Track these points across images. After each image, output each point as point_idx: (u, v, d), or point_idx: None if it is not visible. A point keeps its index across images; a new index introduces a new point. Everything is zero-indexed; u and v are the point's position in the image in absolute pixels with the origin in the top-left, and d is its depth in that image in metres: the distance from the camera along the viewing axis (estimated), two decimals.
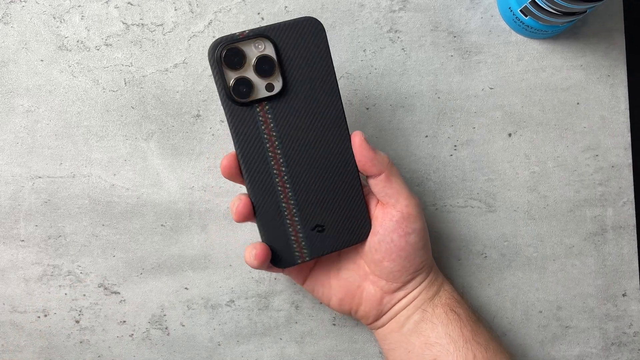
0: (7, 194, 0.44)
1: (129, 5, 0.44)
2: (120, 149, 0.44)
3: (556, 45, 0.45)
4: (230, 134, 0.34)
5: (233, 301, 0.44)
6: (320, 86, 0.35)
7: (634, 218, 0.45)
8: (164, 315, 0.44)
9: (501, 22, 0.45)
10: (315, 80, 0.34)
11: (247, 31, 0.33)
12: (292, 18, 0.35)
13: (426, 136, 0.45)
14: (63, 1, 0.44)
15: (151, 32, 0.44)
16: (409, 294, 0.38)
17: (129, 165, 0.44)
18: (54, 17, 0.44)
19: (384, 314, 0.39)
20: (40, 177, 0.44)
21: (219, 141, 0.44)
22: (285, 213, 0.36)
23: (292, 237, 0.36)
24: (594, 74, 0.45)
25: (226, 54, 0.33)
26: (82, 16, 0.44)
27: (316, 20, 0.34)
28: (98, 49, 0.44)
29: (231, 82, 0.33)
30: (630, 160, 0.45)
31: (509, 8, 0.43)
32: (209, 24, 0.44)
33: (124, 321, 0.44)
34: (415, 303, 0.38)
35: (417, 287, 0.38)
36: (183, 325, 0.44)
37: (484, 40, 0.45)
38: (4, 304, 0.44)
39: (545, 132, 0.45)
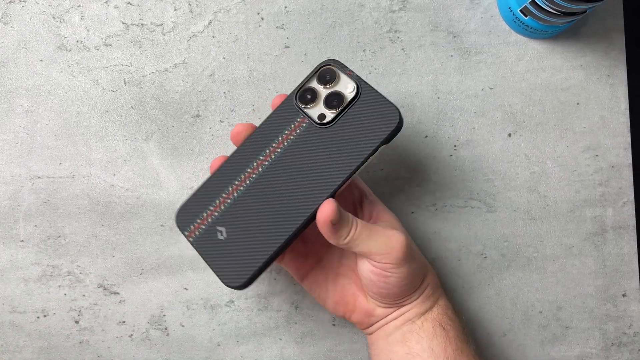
0: (7, 194, 0.44)
1: (129, 5, 0.44)
2: (120, 149, 0.44)
3: (556, 45, 0.45)
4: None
5: (233, 301, 0.44)
6: (348, 151, 0.35)
7: (634, 218, 0.45)
8: (164, 315, 0.44)
9: (501, 22, 0.45)
10: (350, 144, 0.35)
11: (355, 74, 0.36)
12: (386, 97, 0.36)
13: (426, 136, 0.45)
14: (63, 1, 0.44)
15: (151, 32, 0.44)
16: (400, 308, 0.38)
17: (128, 165, 0.44)
18: (54, 17, 0.44)
19: (375, 323, 0.39)
20: (39, 177, 0.44)
21: (219, 141, 0.44)
22: (222, 196, 0.36)
23: (203, 215, 0.36)
24: (594, 74, 0.45)
25: (327, 69, 0.36)
26: (82, 16, 0.44)
27: (399, 114, 0.35)
28: (98, 49, 0.44)
29: (307, 87, 0.36)
30: (630, 161, 0.45)
31: (509, 8, 0.43)
32: (208, 24, 0.44)
33: (124, 321, 0.44)
34: (406, 315, 0.38)
35: (409, 303, 0.38)
36: (182, 326, 0.44)
37: (484, 40, 0.45)
38: (3, 304, 0.44)
39: (545, 132, 0.45)
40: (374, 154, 0.35)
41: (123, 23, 0.44)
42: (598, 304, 0.45)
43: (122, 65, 0.44)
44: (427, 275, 0.38)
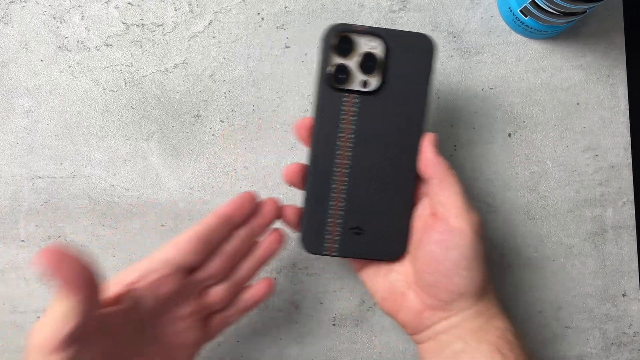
0: (7, 194, 0.44)
1: (129, 5, 0.44)
2: (120, 149, 0.44)
3: (556, 45, 0.45)
4: (313, 112, 0.35)
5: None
6: (411, 98, 0.35)
7: (634, 218, 0.45)
8: None
9: (501, 22, 0.45)
10: (408, 93, 0.35)
11: (365, 26, 0.34)
12: (408, 30, 0.37)
13: None
14: (63, 1, 0.44)
15: (151, 32, 0.44)
16: (450, 317, 0.35)
17: (129, 165, 0.44)
18: (54, 18, 0.44)
19: (423, 331, 0.37)
20: (40, 177, 0.44)
21: (219, 141, 0.44)
22: (332, 203, 0.36)
23: (329, 228, 0.36)
24: (594, 74, 0.45)
25: (339, 39, 0.34)
26: (82, 16, 0.44)
27: (430, 39, 0.35)
28: (98, 49, 0.44)
29: (333, 66, 0.34)
30: (630, 160, 0.45)
31: (509, 8, 0.43)
32: (209, 24, 0.44)
33: None
34: (457, 331, 0.35)
35: (459, 312, 0.35)
36: None
37: (484, 41, 0.45)
38: (4, 304, 0.44)
39: (545, 132, 0.45)
40: (432, 83, 0.35)
41: (123, 23, 0.44)
42: (598, 303, 0.45)
43: (122, 65, 0.44)
44: (486, 290, 0.36)
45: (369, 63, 0.35)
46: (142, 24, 0.44)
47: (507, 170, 0.45)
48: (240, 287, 0.38)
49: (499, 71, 0.45)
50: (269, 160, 0.44)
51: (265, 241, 0.38)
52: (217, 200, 0.44)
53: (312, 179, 0.36)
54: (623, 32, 0.46)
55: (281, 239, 0.38)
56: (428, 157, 0.35)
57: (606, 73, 0.45)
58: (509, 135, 0.45)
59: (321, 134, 0.35)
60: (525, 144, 0.45)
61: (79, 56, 0.44)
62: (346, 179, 0.36)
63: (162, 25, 0.44)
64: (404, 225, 0.36)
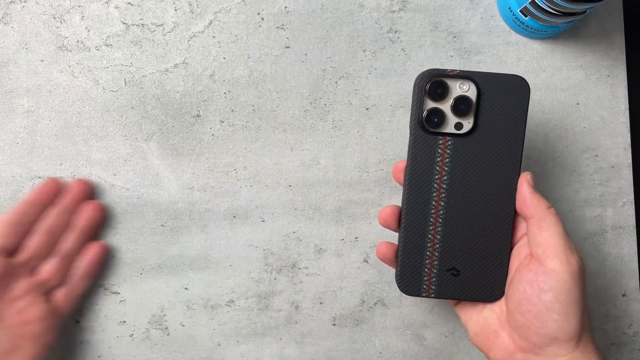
0: (7, 194, 0.44)
1: (129, 5, 0.44)
2: (120, 149, 0.44)
3: (556, 45, 0.45)
4: (407, 155, 0.36)
5: (233, 301, 0.44)
6: (506, 140, 0.36)
7: (634, 218, 0.45)
8: (164, 315, 0.44)
9: (501, 23, 0.45)
10: (503, 133, 0.36)
11: (458, 70, 0.35)
12: (503, 72, 0.37)
13: None
14: (63, 1, 0.44)
15: (151, 32, 0.44)
16: None
17: (129, 165, 0.44)
18: (54, 18, 0.44)
19: None
20: (40, 178, 0.44)
21: (219, 141, 0.44)
22: (428, 245, 0.36)
23: (426, 270, 0.37)
24: (594, 74, 0.45)
25: (432, 84, 0.35)
26: (82, 16, 0.44)
27: (524, 81, 0.36)
28: (98, 49, 0.44)
29: (427, 111, 0.35)
30: (630, 161, 0.45)
31: (509, 8, 0.43)
32: (209, 24, 0.44)
33: (124, 321, 0.44)
34: None
35: (553, 359, 0.34)
36: (183, 326, 0.44)
37: (484, 41, 0.45)
38: None
39: (545, 132, 0.45)
40: (526, 124, 0.36)
41: (123, 23, 0.44)
42: (598, 303, 0.45)
43: (122, 65, 0.44)
44: (583, 338, 0.34)
45: (461, 106, 0.35)
46: (142, 24, 0.44)
47: None
48: (71, 259, 0.42)
49: (499, 71, 0.45)
50: (269, 160, 0.44)
51: (83, 211, 0.41)
52: (217, 201, 0.44)
53: (407, 221, 0.36)
54: (623, 32, 0.45)
55: (98, 207, 0.42)
56: (526, 197, 0.35)
57: (606, 73, 0.45)
58: None
59: (415, 176, 0.36)
60: (525, 144, 0.45)
61: (79, 56, 0.44)
62: (441, 220, 0.36)
63: (162, 25, 0.44)
64: (502, 268, 0.37)
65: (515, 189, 0.36)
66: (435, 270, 0.37)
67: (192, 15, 0.44)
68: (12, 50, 0.44)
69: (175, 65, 0.44)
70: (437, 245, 0.36)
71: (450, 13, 0.45)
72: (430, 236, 0.36)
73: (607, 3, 0.45)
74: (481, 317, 0.37)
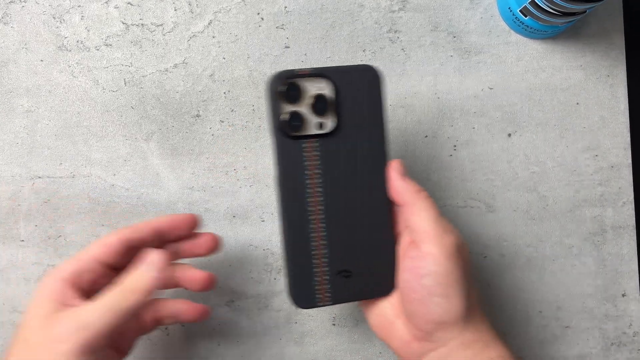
0: (7, 194, 0.44)
1: (129, 5, 0.44)
2: (120, 149, 0.44)
3: (556, 45, 0.45)
4: (274, 164, 0.35)
5: (233, 301, 0.44)
6: (369, 132, 0.35)
7: (634, 218, 0.45)
8: None
9: (501, 22, 0.45)
10: (365, 126, 0.35)
11: (309, 69, 0.34)
12: (352, 64, 0.36)
13: (426, 136, 0.45)
14: (63, 1, 0.44)
15: (151, 32, 0.44)
16: (437, 348, 0.33)
17: (128, 165, 0.44)
18: (54, 17, 0.44)
19: None
20: (40, 177, 0.44)
21: (219, 141, 0.44)
22: (315, 253, 0.35)
23: (317, 279, 0.35)
24: (594, 74, 0.45)
25: (284, 87, 0.34)
26: (82, 16, 0.44)
27: (375, 69, 0.35)
28: (98, 49, 0.44)
29: (284, 115, 0.34)
30: (630, 160, 0.45)
31: (509, 8, 0.43)
32: (208, 24, 0.44)
33: None
34: None
35: (446, 343, 0.33)
36: (183, 326, 0.44)
37: (484, 41, 0.45)
38: (4, 304, 0.44)
39: (545, 132, 0.45)
40: (386, 112, 0.35)
41: (123, 23, 0.44)
42: (598, 303, 0.45)
43: (122, 65, 0.44)
44: (472, 318, 0.33)
45: (319, 105, 0.34)
46: (142, 24, 0.44)
47: (507, 170, 0.45)
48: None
49: (499, 71, 0.45)
50: (269, 160, 0.44)
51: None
52: (217, 201, 0.44)
53: (288, 232, 0.35)
54: (623, 32, 0.46)
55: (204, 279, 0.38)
56: (395, 184, 0.35)
57: (606, 73, 0.45)
58: (509, 135, 0.45)
59: (288, 184, 0.34)
60: (525, 144, 0.45)
61: (79, 56, 0.44)
62: (323, 225, 0.35)
63: (162, 25, 0.44)
64: (390, 260, 0.36)
65: (385, 181, 0.35)
66: (326, 277, 0.35)
67: (192, 15, 0.44)
68: (12, 50, 0.44)
69: (175, 65, 0.44)
70: (324, 251, 0.35)
71: (450, 13, 0.45)
72: (314, 243, 0.35)
73: (607, 3, 0.45)
74: (378, 309, 0.36)
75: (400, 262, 0.35)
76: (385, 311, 0.36)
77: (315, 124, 0.34)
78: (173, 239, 0.37)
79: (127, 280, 0.34)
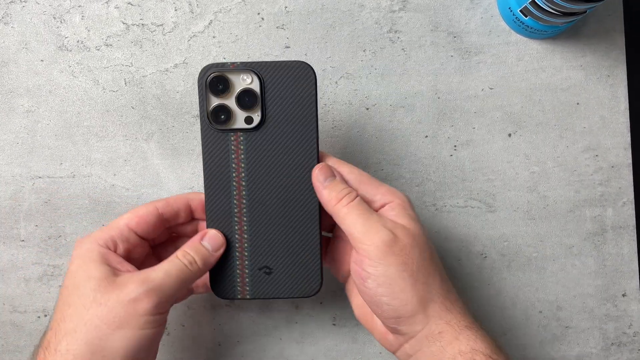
0: (7, 194, 0.44)
1: (129, 5, 0.44)
2: (120, 149, 0.44)
3: (556, 45, 0.45)
4: (202, 156, 0.35)
5: (233, 301, 0.44)
6: (299, 128, 0.35)
7: (634, 218, 0.45)
8: None
9: (501, 22, 0.45)
10: (295, 122, 0.35)
11: (238, 63, 0.34)
12: (285, 60, 0.36)
13: (426, 136, 0.45)
14: (63, 1, 0.44)
15: (151, 32, 0.44)
16: (408, 340, 0.33)
17: (129, 165, 0.44)
18: (54, 17, 0.44)
19: (396, 353, 0.35)
20: (40, 177, 0.44)
21: None
22: (237, 245, 0.35)
23: (238, 271, 0.36)
24: (594, 74, 0.45)
25: (213, 79, 0.34)
26: (82, 16, 0.44)
27: (308, 65, 0.35)
28: (98, 49, 0.44)
29: (212, 107, 0.34)
30: (630, 160, 0.45)
31: (509, 8, 0.43)
32: (209, 24, 0.44)
33: None
34: (421, 356, 0.33)
35: (413, 337, 0.33)
36: (183, 326, 0.44)
37: (484, 41, 0.45)
38: (4, 304, 0.44)
39: (545, 132, 0.45)
40: (317, 109, 0.35)
41: (123, 23, 0.44)
42: (598, 303, 0.45)
43: (122, 65, 0.44)
44: (432, 304, 0.32)
45: (247, 99, 0.34)
46: (142, 24, 0.44)
47: (507, 170, 0.45)
48: None
49: (499, 71, 0.45)
50: None
51: None
52: None
53: (211, 224, 0.35)
54: (623, 32, 0.46)
55: None
56: (319, 193, 0.34)
57: (606, 73, 0.45)
58: (509, 135, 0.45)
59: (213, 176, 0.35)
60: (525, 144, 0.45)
61: (79, 56, 0.44)
62: (246, 219, 0.35)
63: (162, 25, 0.44)
64: (314, 259, 0.36)
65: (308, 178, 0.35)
66: (247, 271, 0.36)
67: (192, 15, 0.44)
68: (12, 50, 0.44)
69: (175, 65, 0.44)
70: (246, 245, 0.35)
71: (450, 13, 0.45)
72: (237, 236, 0.35)
73: (607, 3, 0.45)
74: (360, 302, 0.37)
75: (350, 266, 0.35)
76: (365, 303, 0.36)
77: (243, 118, 0.34)
78: (199, 217, 0.38)
79: (194, 251, 0.34)
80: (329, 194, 0.34)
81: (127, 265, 0.34)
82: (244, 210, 0.35)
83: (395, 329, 0.34)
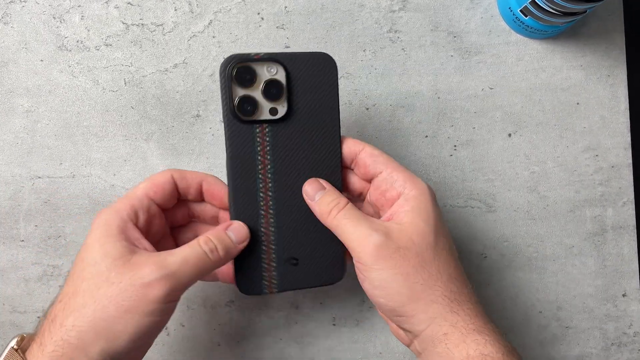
0: (7, 194, 0.44)
1: (129, 5, 0.44)
2: (120, 149, 0.44)
3: (556, 45, 0.45)
4: (225, 149, 0.34)
5: (233, 301, 0.44)
6: (322, 119, 0.35)
7: (634, 218, 0.45)
8: None
9: (501, 22, 0.45)
10: (319, 113, 0.35)
11: (262, 53, 0.34)
12: (308, 51, 0.36)
13: (426, 136, 0.45)
14: (63, 1, 0.44)
15: (151, 32, 0.44)
16: (414, 339, 0.34)
17: (129, 165, 0.44)
18: (54, 17, 0.44)
19: (410, 348, 0.35)
20: (40, 177, 0.44)
21: (219, 141, 0.44)
22: (263, 239, 0.35)
23: (265, 265, 0.35)
24: (594, 74, 0.45)
25: (238, 70, 0.33)
26: (82, 16, 0.44)
27: (330, 57, 0.35)
28: (98, 49, 0.44)
29: (237, 98, 0.34)
30: (630, 160, 0.45)
31: (509, 8, 0.43)
32: (209, 24, 0.44)
33: None
34: (427, 355, 0.33)
35: (416, 337, 0.33)
36: (183, 326, 0.44)
37: (484, 40, 0.45)
38: (4, 304, 0.44)
39: (545, 132, 0.45)
40: (339, 100, 0.35)
41: (123, 23, 0.44)
42: (598, 304, 0.45)
43: (122, 65, 0.44)
44: (431, 304, 0.32)
45: (273, 90, 0.34)
46: (142, 24, 0.44)
47: (507, 170, 0.45)
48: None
49: (499, 71, 0.45)
50: None
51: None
52: None
53: (236, 219, 0.35)
54: (623, 32, 0.46)
55: None
56: (312, 210, 0.35)
57: (606, 73, 0.45)
58: (509, 135, 0.45)
59: (238, 169, 0.34)
60: (525, 144, 0.45)
61: (79, 56, 0.44)
62: (272, 211, 0.35)
63: (162, 25, 0.44)
64: (338, 248, 0.36)
65: (339, 168, 0.35)
66: (274, 264, 0.35)
67: (192, 15, 0.44)
68: (12, 50, 0.44)
69: (175, 65, 0.44)
70: (272, 238, 0.35)
71: (450, 13, 0.45)
72: (263, 229, 0.35)
73: (607, 3, 0.45)
74: None
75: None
76: None
77: (269, 109, 0.34)
78: (208, 200, 0.37)
79: (217, 240, 0.33)
80: (319, 208, 0.34)
81: (145, 243, 0.33)
82: (271, 202, 0.35)
83: (399, 326, 0.34)
